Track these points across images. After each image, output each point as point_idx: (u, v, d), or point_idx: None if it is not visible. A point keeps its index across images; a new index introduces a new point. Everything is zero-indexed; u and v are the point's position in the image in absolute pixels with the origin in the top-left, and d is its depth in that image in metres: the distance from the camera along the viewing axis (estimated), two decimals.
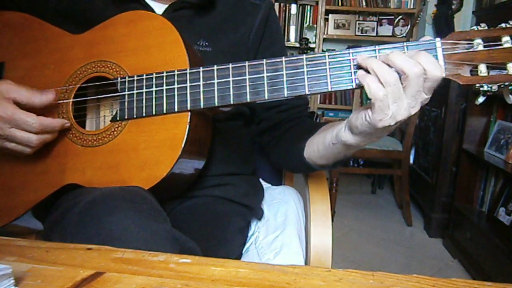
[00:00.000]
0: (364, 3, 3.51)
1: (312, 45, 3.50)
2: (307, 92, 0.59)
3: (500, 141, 1.96)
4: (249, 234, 0.87)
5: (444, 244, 2.27)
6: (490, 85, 0.55)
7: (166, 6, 0.79)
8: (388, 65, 0.53)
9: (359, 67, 0.56)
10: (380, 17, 3.55)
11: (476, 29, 0.56)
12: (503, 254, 1.68)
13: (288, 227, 0.85)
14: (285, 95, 0.60)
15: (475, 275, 1.87)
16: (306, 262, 0.81)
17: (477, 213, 2.09)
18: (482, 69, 0.55)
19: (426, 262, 2.11)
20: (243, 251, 0.85)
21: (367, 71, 0.54)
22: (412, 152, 2.82)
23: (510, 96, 0.57)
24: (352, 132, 0.60)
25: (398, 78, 0.52)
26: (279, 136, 0.84)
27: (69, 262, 0.47)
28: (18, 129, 0.64)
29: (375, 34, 3.55)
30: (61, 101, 0.71)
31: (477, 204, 2.13)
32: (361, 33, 3.56)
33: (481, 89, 0.56)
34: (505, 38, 0.54)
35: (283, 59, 0.60)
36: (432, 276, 0.44)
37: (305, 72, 0.59)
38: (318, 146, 0.70)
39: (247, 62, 0.62)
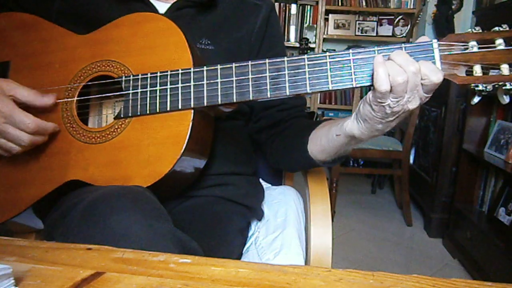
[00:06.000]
0: (364, 3, 3.51)
1: (312, 45, 3.50)
2: (308, 91, 0.61)
3: (500, 141, 1.96)
4: (249, 234, 0.87)
5: (444, 244, 2.27)
6: (485, 85, 0.58)
7: (169, 5, 0.80)
8: None
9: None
10: (380, 17, 3.55)
11: (471, 31, 0.59)
12: (503, 254, 1.68)
13: (288, 227, 0.85)
14: (287, 93, 0.62)
15: (475, 275, 1.87)
16: (306, 262, 0.81)
17: (477, 213, 2.08)
18: (477, 69, 0.58)
19: (426, 262, 2.11)
20: (243, 251, 0.85)
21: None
22: (412, 152, 2.81)
23: (504, 96, 0.59)
24: (356, 120, 0.62)
25: (406, 80, 0.55)
26: (277, 133, 0.85)
27: (69, 262, 0.47)
28: (13, 126, 0.65)
29: (375, 34, 3.55)
30: (65, 99, 0.72)
31: (477, 204, 2.13)
32: (361, 33, 3.56)
33: (476, 89, 0.59)
34: (499, 41, 0.57)
35: (285, 59, 0.62)
36: (432, 276, 0.44)
37: (307, 72, 0.61)
38: (321, 139, 0.71)
39: (250, 61, 0.64)
